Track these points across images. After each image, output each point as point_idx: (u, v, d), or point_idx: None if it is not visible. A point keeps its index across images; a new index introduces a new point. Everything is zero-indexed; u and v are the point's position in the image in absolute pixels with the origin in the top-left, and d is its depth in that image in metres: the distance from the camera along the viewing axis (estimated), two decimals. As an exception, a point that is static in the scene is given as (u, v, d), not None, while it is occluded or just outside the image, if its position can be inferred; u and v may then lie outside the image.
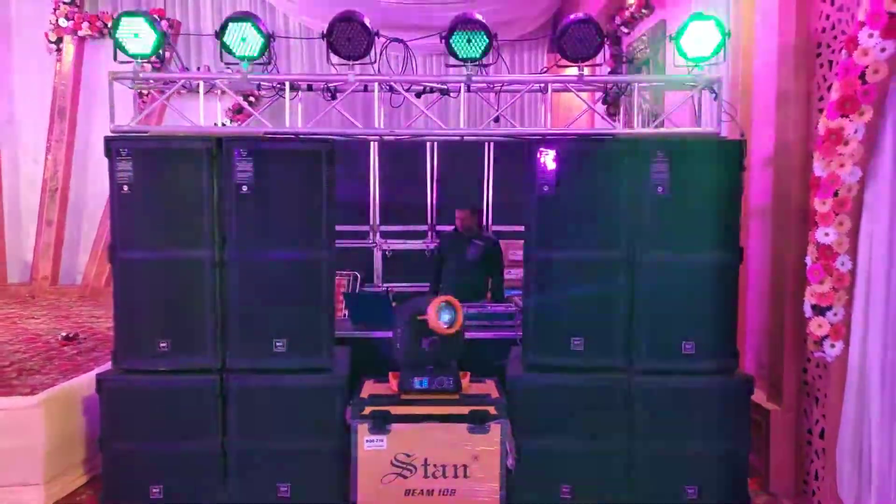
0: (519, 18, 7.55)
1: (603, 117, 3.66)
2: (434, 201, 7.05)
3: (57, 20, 7.67)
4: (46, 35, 7.74)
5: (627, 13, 6.12)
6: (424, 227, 7.06)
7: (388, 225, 6.97)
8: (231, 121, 7.31)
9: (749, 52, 4.11)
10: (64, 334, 5.02)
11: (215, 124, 4.67)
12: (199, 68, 7.76)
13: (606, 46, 6.86)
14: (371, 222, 6.95)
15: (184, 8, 8.36)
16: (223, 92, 3.70)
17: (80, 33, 7.71)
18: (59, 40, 7.75)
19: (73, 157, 7.84)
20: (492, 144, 6.80)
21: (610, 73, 6.26)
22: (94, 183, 7.84)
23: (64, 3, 7.69)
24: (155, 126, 5.91)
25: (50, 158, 7.77)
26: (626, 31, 6.44)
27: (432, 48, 4.92)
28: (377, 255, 6.93)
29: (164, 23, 7.58)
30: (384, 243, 6.87)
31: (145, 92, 6.76)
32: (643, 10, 5.87)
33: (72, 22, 7.68)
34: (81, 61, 7.84)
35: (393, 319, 3.56)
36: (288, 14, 8.52)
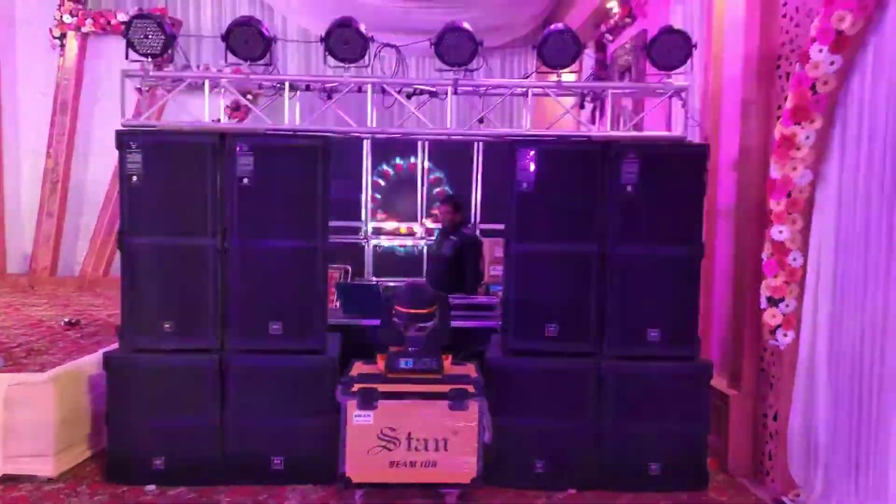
0: (509, 24, 7.83)
1: (578, 120, 3.93)
2: (424, 200, 7.32)
3: (61, 16, 7.87)
4: (50, 31, 7.93)
5: (612, 21, 6.40)
6: (415, 224, 7.34)
7: (379, 221, 7.24)
8: (229, 117, 7.54)
9: (719, 62, 4.39)
10: (66, 320, 5.24)
11: (218, 120, 4.90)
12: (199, 66, 7.98)
13: (592, 52, 7.16)
14: (363, 219, 7.20)
15: (185, 6, 8.59)
16: (224, 90, 3.95)
17: (84, 30, 7.89)
18: (63, 36, 7.94)
19: (74, 150, 8.03)
20: (481, 145, 7.07)
21: (595, 77, 6.54)
22: (94, 176, 8.03)
23: (68, -1, 7.91)
24: (154, 120, 6.14)
25: (51, 151, 7.96)
26: (610, 38, 6.72)
27: (424, 50, 5.19)
28: (368, 251, 7.19)
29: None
30: (375, 238, 7.13)
31: (145, 88, 7.02)
32: (626, 19, 6.15)
33: (75, 18, 7.88)
34: (84, 57, 8.03)
35: (381, 308, 3.81)
36: (286, 15, 8.76)
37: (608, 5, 6.11)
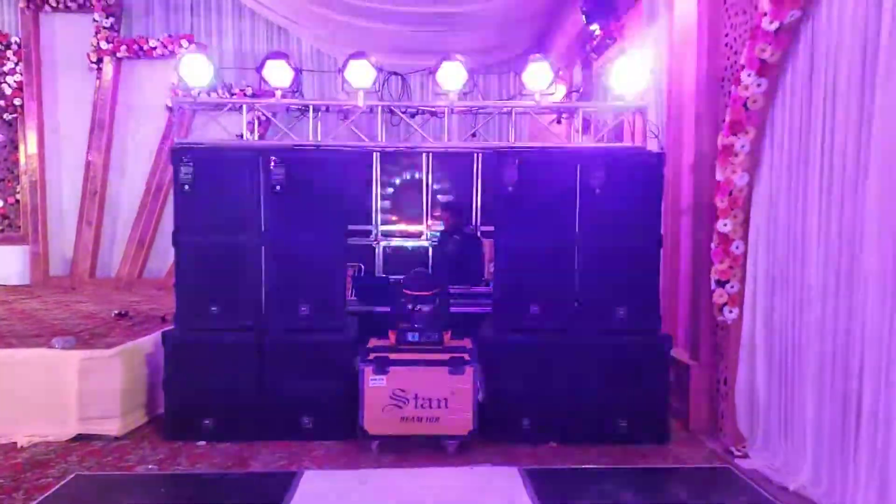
0: (505, 43, 8.56)
1: (553, 133, 4.64)
2: (429, 205, 8.04)
3: (98, 43, 8.68)
4: (88, 56, 8.74)
5: (595, 42, 7.12)
6: (421, 227, 8.06)
7: (388, 225, 7.97)
8: (247, 134, 8.30)
9: (680, 81, 5.08)
10: (116, 312, 5.97)
11: (240, 135, 5.62)
12: (222, 84, 8.76)
13: (580, 68, 7.89)
14: (373, 223, 7.92)
15: (209, 31, 9.37)
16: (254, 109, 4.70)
17: (118, 55, 8.70)
18: (100, 60, 8.75)
19: (110, 164, 8.82)
20: (480, 155, 7.78)
21: (582, 92, 7.27)
22: (129, 188, 8.81)
23: (104, 28, 8.70)
24: (183, 135, 6.90)
25: (90, 165, 8.76)
26: (595, 56, 7.44)
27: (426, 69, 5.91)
28: (378, 251, 7.91)
29: (192, 46, 8.59)
30: (384, 240, 7.85)
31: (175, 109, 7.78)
32: (607, 40, 6.87)
33: (111, 45, 8.69)
34: (119, 79, 8.83)
35: (392, 292, 4.52)
36: (300, 37, 9.53)
37: (591, 28, 6.81)
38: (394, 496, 3.44)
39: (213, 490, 3.53)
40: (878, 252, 3.02)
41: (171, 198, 8.37)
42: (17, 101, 8.77)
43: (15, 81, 8.74)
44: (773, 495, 3.49)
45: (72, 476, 3.66)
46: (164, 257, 8.72)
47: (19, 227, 8.99)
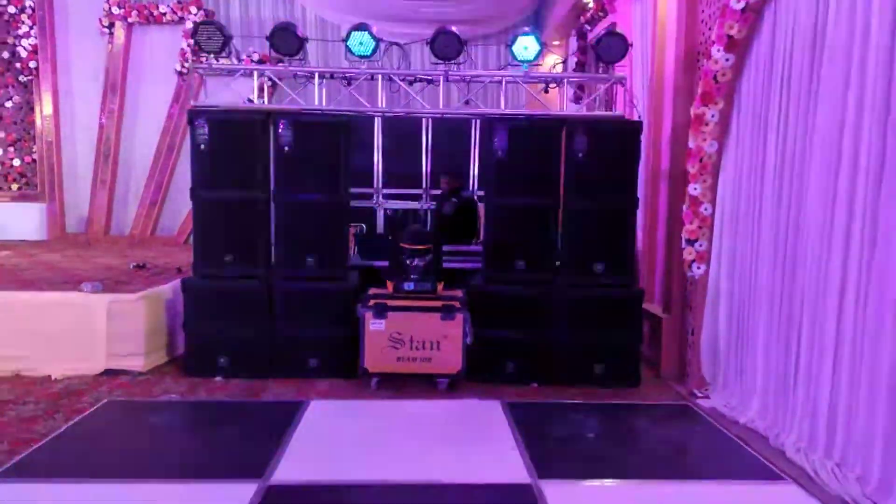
0: (500, 14, 8.83)
1: (542, 102, 5.01)
2: (428, 169, 8.40)
3: (110, 8, 8.97)
4: (100, 21, 9.03)
5: (588, 14, 7.41)
6: (419, 191, 8.43)
7: (388, 188, 8.33)
8: (257, 98, 8.63)
9: (662, 56, 5.42)
10: (134, 264, 6.40)
11: (249, 99, 5.97)
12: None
13: (574, 39, 8.18)
14: (375, 185, 8.29)
15: (216, -3, 9.64)
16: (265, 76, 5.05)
17: (130, 20, 9.00)
18: (111, 25, 9.04)
19: (122, 126, 9.18)
20: (478, 121, 8.10)
21: (577, 62, 7.59)
22: (140, 149, 9.18)
23: (115, -8, 9.00)
24: (195, 99, 7.23)
25: (103, 127, 9.11)
26: (589, 28, 7.73)
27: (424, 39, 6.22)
28: (379, 214, 8.29)
29: (200, 12, 8.88)
30: (385, 203, 8.23)
31: (185, 72, 8.16)
32: (600, 13, 7.17)
33: (122, 10, 8.98)
34: (130, 44, 9.13)
35: (390, 246, 4.94)
36: (304, 5, 9.79)
37: (584, 0, 7.11)
38: (389, 420, 3.91)
39: (231, 414, 4.00)
40: (815, 215, 3.43)
41: (181, 159, 8.83)
42: (32, 64, 9.08)
43: (30, 45, 9.03)
44: (725, 427, 3.96)
45: (105, 401, 4.13)
46: (175, 216, 9.16)
47: (36, 185, 9.37)
